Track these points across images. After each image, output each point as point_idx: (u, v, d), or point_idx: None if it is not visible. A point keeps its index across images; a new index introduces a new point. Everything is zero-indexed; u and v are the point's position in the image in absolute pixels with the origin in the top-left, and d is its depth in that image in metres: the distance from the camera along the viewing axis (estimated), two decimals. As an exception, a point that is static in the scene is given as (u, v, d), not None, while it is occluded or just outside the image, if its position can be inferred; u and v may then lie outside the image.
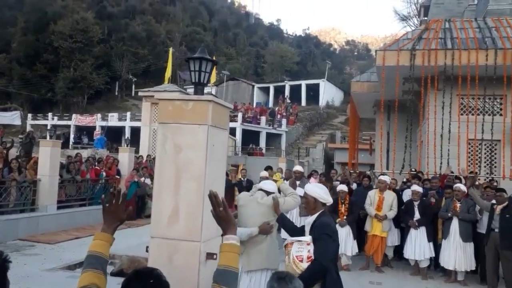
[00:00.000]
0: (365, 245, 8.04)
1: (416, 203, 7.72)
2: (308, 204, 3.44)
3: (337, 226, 7.61)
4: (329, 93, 42.47)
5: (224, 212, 2.06)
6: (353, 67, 63.28)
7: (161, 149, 3.23)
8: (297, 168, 9.59)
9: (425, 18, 17.68)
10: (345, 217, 7.71)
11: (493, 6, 12.43)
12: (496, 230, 6.80)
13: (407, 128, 11.66)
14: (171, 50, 24.76)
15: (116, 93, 48.21)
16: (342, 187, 7.87)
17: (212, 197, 2.05)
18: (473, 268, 7.25)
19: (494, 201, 7.10)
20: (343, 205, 7.74)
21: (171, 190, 3.16)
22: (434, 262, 7.85)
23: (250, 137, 29.01)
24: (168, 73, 21.65)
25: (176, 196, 3.15)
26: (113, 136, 30.33)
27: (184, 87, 33.53)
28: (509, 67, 9.80)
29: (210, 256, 3.13)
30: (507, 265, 6.65)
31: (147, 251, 3.21)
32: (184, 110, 3.20)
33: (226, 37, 57.08)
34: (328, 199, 3.46)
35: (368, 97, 14.62)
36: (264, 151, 29.33)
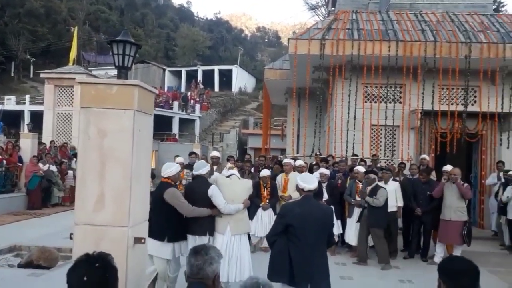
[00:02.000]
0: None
1: (324, 185, 8.22)
2: (297, 190, 4.20)
3: (260, 209, 7.90)
4: (241, 79, 42.92)
5: None
6: (264, 54, 64.40)
7: (84, 134, 3.11)
8: (214, 153, 9.68)
9: (333, 9, 18.53)
10: (268, 200, 7.98)
11: (395, 0, 13.41)
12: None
13: (317, 114, 12.24)
14: (75, 29, 23.12)
15: (12, 74, 43.84)
16: (265, 172, 8.11)
17: None
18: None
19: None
20: (266, 189, 8.00)
21: (96, 176, 3.08)
22: (341, 238, 8.47)
23: (162, 123, 28.36)
24: (72, 54, 20.22)
25: (101, 182, 3.08)
26: (10, 121, 27.68)
27: (89, 68, 31.64)
28: (409, 58, 10.68)
29: (138, 240, 3.17)
30: (376, 240, 7.46)
31: (71, 238, 3.11)
32: (109, 94, 3.11)
33: (133, 17, 54.52)
34: (304, 185, 4.03)
35: (281, 84, 15.06)
36: (177, 137, 28.91)
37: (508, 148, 10.87)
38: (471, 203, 10.38)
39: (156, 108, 28.16)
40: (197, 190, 5.33)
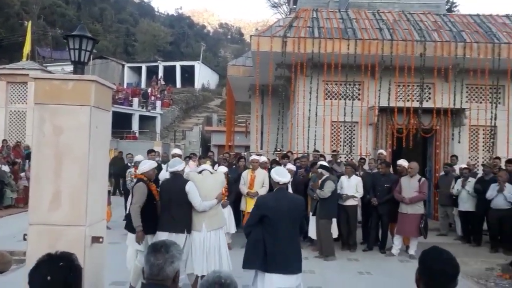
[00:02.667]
0: (243, 223, 8.50)
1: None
2: (272, 183, 4.50)
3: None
4: (204, 76, 42.54)
5: None
6: (227, 51, 64.00)
7: (39, 131, 3.03)
8: (176, 151, 9.62)
9: (295, 6, 18.69)
10: (226, 197, 7.98)
11: (354, -1, 13.69)
12: None
13: (280, 111, 12.34)
14: (29, 23, 22.19)
15: (-40, 70, 41.53)
16: (222, 169, 8.11)
17: None
18: (335, 237, 8.16)
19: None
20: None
21: (52, 175, 3.01)
22: (304, 233, 8.61)
23: (121, 120, 27.69)
24: (26, 49, 19.45)
25: (57, 180, 3.01)
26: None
27: (44, 64, 30.44)
28: (367, 56, 10.96)
29: (96, 239, 3.12)
30: (323, 232, 7.76)
31: (24, 239, 3.01)
32: (64, 90, 3.06)
33: (91, 12, 52.78)
34: (278, 179, 4.31)
35: (244, 81, 15.08)
36: (137, 134, 28.33)
37: (459, 142, 11.38)
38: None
39: (115, 105, 27.47)
40: (173, 187, 5.38)
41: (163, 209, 5.41)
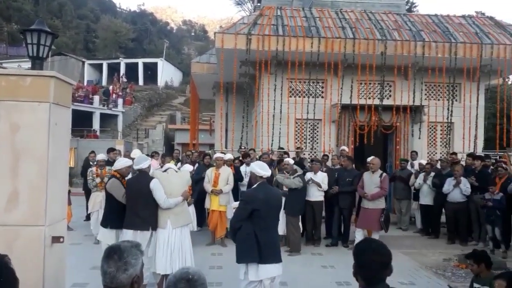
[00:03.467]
0: (207, 221, 8.49)
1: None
2: (253, 177, 4.56)
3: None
4: (167, 73, 41.93)
5: None
6: (191, 48, 63.32)
7: (-6, 129, 2.89)
8: (135, 152, 9.51)
9: (259, 4, 18.69)
10: (190, 196, 7.93)
11: (317, -3, 13.86)
12: None
13: (244, 109, 12.35)
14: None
15: None
16: (187, 167, 8.04)
17: None
18: (300, 231, 8.26)
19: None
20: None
21: (8, 173, 2.89)
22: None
23: (82, 119, 26.85)
24: (-21, 44, 18.51)
25: (14, 179, 2.90)
26: None
27: (-1, 61, 29.15)
28: (330, 54, 11.14)
29: (56, 239, 3.04)
30: (291, 229, 7.90)
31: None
32: (21, 86, 2.95)
33: (49, 7, 50.80)
34: (262, 173, 4.40)
35: (208, 78, 14.98)
36: (98, 133, 27.58)
37: (419, 138, 11.78)
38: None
39: (75, 103, 26.57)
40: (138, 184, 5.38)
41: (128, 207, 5.39)
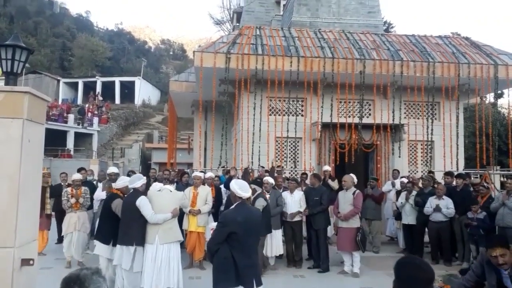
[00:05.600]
0: (185, 243, 8.10)
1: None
2: (232, 196, 4.38)
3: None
4: (145, 92, 41.56)
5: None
6: (169, 67, 63.11)
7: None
8: (112, 169, 9.11)
9: (238, 24, 18.78)
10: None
11: (296, 18, 13.91)
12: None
13: (223, 127, 12.14)
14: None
15: None
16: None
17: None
18: (281, 253, 8.00)
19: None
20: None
21: (-25, 192, 2.67)
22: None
23: (55, 138, 26.12)
24: None
25: (-18, 198, 2.68)
26: None
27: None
28: (309, 73, 11.10)
29: (25, 262, 2.88)
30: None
31: None
32: (-6, 102, 2.80)
33: (24, 25, 49.95)
34: (241, 194, 4.23)
35: (187, 97, 14.79)
36: (72, 152, 26.85)
37: (399, 157, 11.75)
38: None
39: (49, 122, 25.91)
40: (129, 202, 5.66)
41: (120, 224, 5.70)
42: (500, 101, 18.46)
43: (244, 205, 4.28)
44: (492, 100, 13.85)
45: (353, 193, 7.73)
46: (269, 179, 8.26)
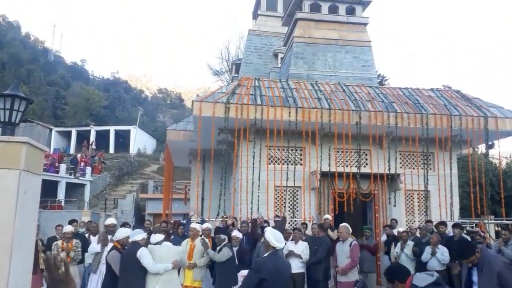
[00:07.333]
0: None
1: (235, 249, 7.98)
2: (264, 245, 4.39)
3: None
4: (140, 141, 41.54)
5: (65, 274, 1.72)
6: (166, 115, 63.62)
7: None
8: (110, 220, 9.06)
9: (236, 75, 19.29)
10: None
11: (293, 70, 14.41)
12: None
13: (222, 176, 12.18)
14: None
15: None
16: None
17: (51, 259, 1.71)
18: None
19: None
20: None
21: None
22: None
23: (46, 188, 25.63)
24: None
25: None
26: None
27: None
28: (307, 123, 11.36)
29: None
30: None
31: None
32: (-10, 152, 2.77)
33: (17, 73, 50.07)
34: (276, 244, 4.25)
35: (184, 145, 14.91)
36: (63, 203, 26.27)
37: (395, 206, 11.82)
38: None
39: (42, 171, 25.61)
40: (129, 255, 5.68)
41: (120, 277, 5.67)
42: (491, 152, 18.88)
43: (276, 255, 4.34)
44: (484, 150, 14.19)
45: (350, 245, 7.66)
46: (238, 234, 8.10)
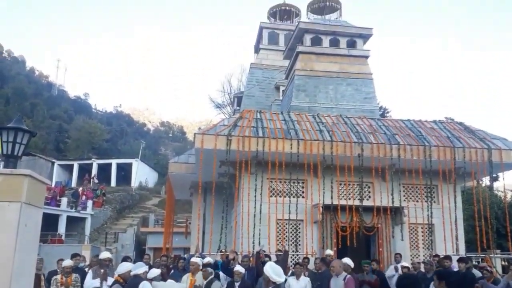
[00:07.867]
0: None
1: (237, 284, 7.76)
2: (265, 280, 4.43)
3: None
4: (142, 174, 41.43)
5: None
6: (168, 148, 63.72)
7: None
8: (105, 254, 8.85)
9: (238, 108, 19.45)
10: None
11: (295, 103, 14.51)
12: None
13: (223, 209, 12.01)
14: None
15: None
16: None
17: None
18: None
19: None
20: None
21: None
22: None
23: (47, 222, 25.36)
24: None
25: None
26: None
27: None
28: (309, 155, 11.31)
29: None
30: None
31: None
32: (-9, 185, 2.74)
33: (21, 107, 50.57)
34: (276, 279, 4.28)
35: (186, 178, 14.82)
36: (63, 237, 25.95)
37: (402, 240, 11.58)
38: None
39: (42, 205, 25.42)
40: None
41: None
42: (496, 184, 18.69)
43: None
44: (488, 183, 14.03)
45: (344, 279, 7.41)
46: (240, 269, 7.70)
